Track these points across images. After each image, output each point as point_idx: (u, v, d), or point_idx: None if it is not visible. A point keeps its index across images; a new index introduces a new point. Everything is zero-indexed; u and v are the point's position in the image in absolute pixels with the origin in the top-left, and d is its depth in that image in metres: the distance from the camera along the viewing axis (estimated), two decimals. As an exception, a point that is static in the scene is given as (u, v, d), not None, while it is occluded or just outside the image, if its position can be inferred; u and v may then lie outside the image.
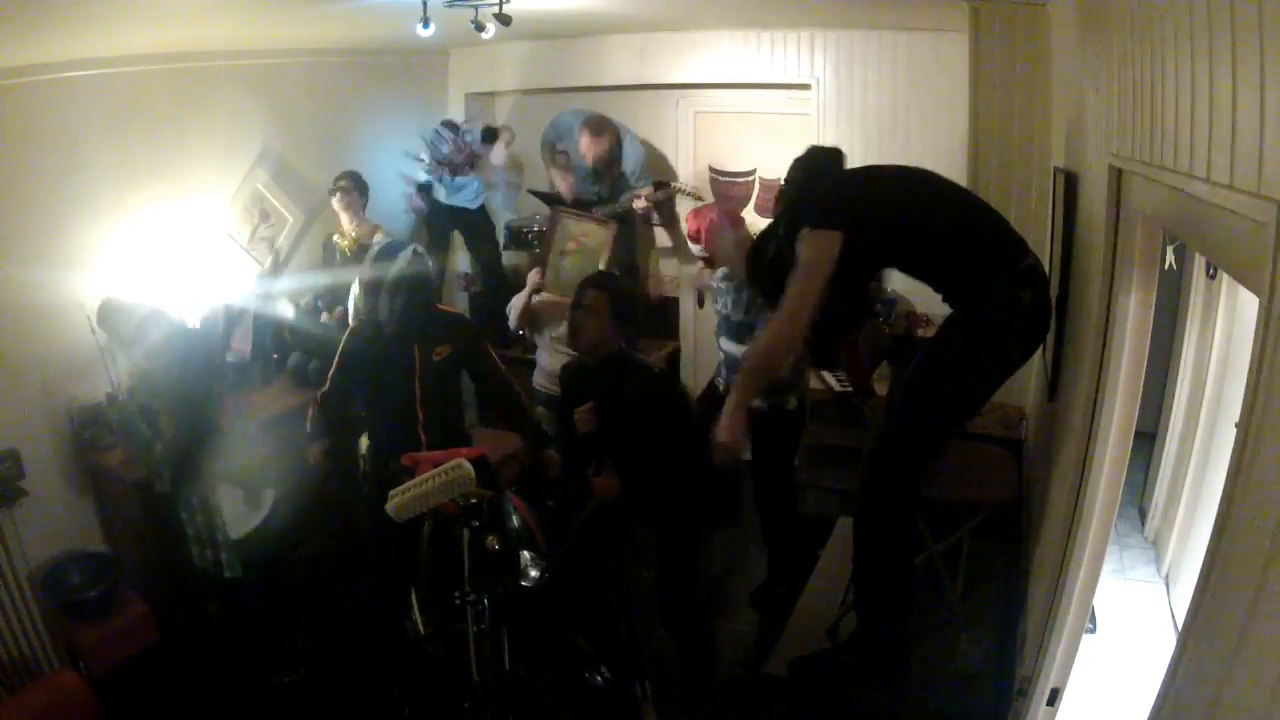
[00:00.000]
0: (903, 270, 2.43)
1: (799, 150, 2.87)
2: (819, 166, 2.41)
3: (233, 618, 3.16)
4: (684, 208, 4.52)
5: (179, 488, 2.88)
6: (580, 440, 2.82)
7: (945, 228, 2.27)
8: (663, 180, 4.53)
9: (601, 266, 3.81)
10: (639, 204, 4.34)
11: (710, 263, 3.53)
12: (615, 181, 4.41)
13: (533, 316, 3.76)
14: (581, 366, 2.91)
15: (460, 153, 4.39)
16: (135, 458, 3.03)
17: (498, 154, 4.62)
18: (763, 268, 2.49)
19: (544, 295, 3.75)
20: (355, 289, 3.19)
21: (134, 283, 3.37)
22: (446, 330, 3.02)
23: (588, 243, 3.85)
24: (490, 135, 4.56)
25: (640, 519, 2.88)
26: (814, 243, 2.16)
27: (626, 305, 2.80)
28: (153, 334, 2.88)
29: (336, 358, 3.05)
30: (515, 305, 3.77)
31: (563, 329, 3.70)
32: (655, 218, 4.60)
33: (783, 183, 2.47)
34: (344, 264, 4.00)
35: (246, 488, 3.16)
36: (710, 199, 4.60)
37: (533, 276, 3.77)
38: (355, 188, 4.09)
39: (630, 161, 4.37)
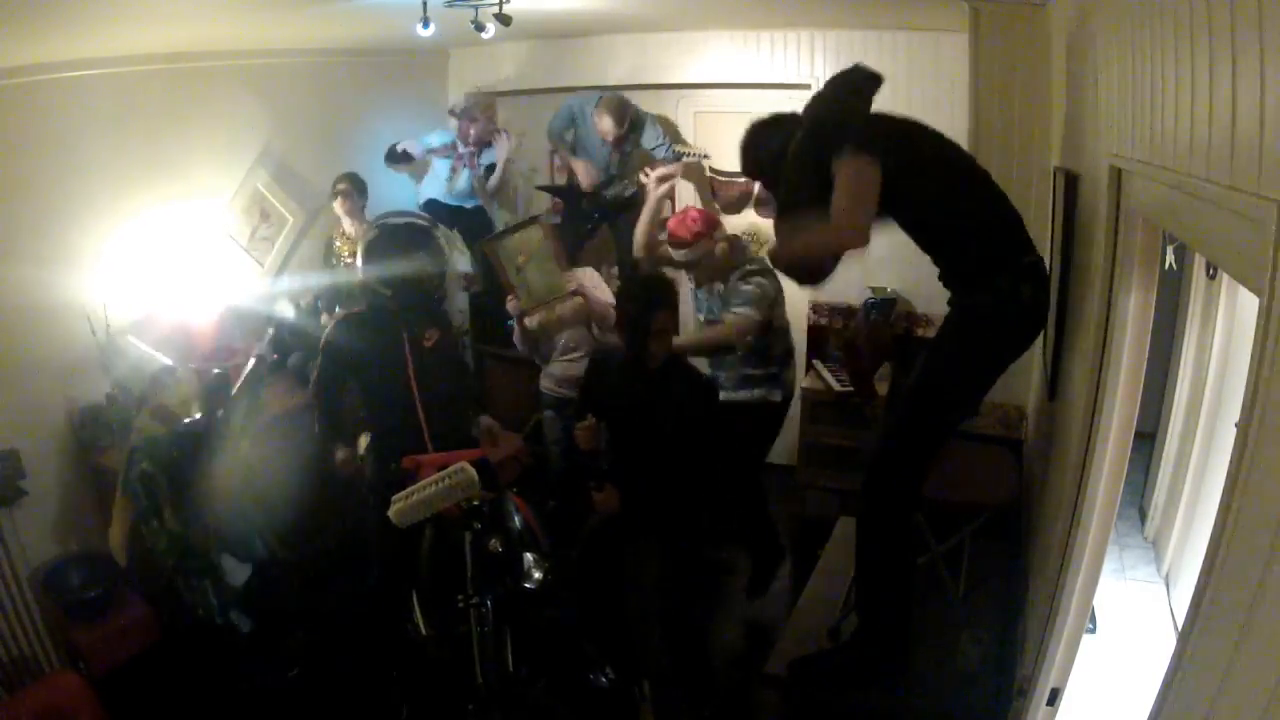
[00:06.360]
0: (909, 231, 2.36)
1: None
2: (862, 89, 2.31)
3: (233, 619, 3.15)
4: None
5: (185, 560, 2.84)
6: (583, 454, 2.80)
7: (967, 203, 2.26)
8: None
9: (552, 261, 3.75)
10: (652, 182, 4.15)
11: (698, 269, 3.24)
12: (626, 160, 4.37)
13: (534, 339, 3.75)
14: (608, 359, 2.89)
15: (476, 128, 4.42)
16: (137, 526, 2.95)
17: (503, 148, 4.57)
18: (764, 160, 2.49)
19: (532, 316, 3.71)
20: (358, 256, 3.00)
21: (134, 283, 3.37)
22: (434, 314, 2.94)
23: (531, 249, 3.82)
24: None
25: (645, 531, 2.87)
26: (859, 166, 2.10)
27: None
28: (163, 392, 2.84)
29: (320, 350, 2.91)
30: (516, 338, 3.77)
31: (566, 338, 3.72)
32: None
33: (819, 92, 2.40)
34: (348, 269, 3.99)
35: (249, 493, 3.15)
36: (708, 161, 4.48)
37: (510, 306, 3.69)
38: (355, 189, 4.09)
39: (652, 137, 4.31)
